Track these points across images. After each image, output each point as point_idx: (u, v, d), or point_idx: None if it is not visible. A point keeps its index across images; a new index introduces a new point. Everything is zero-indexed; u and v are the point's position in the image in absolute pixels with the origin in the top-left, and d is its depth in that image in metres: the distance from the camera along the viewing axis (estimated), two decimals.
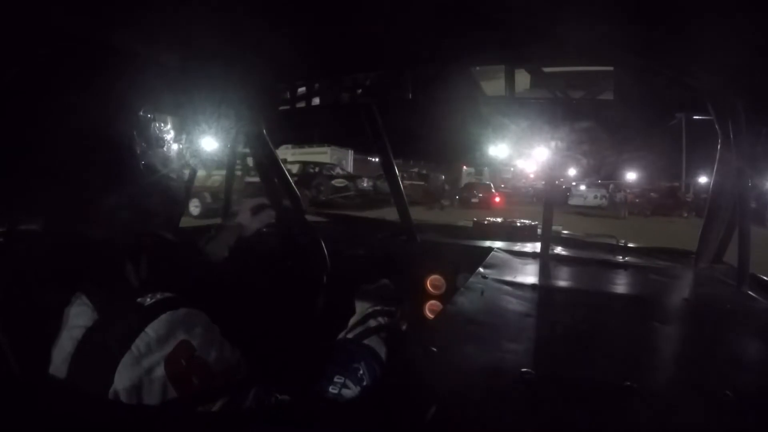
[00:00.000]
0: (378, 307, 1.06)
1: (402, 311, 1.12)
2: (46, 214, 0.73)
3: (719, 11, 0.85)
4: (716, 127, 1.31)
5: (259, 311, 1.12)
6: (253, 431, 0.60)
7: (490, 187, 18.14)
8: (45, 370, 0.62)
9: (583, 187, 20.31)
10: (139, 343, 0.62)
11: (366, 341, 0.94)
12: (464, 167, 21.95)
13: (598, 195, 19.70)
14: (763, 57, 0.98)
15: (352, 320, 1.05)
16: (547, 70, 1.38)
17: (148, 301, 0.66)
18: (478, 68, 1.45)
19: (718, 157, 1.36)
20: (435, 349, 0.75)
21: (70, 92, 0.76)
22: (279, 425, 0.60)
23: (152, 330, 0.63)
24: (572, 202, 19.52)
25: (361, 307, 1.09)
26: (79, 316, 0.64)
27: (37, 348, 0.63)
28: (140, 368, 0.61)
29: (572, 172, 19.05)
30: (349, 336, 0.98)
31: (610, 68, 1.32)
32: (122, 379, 0.60)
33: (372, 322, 1.01)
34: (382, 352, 0.91)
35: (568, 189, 19.90)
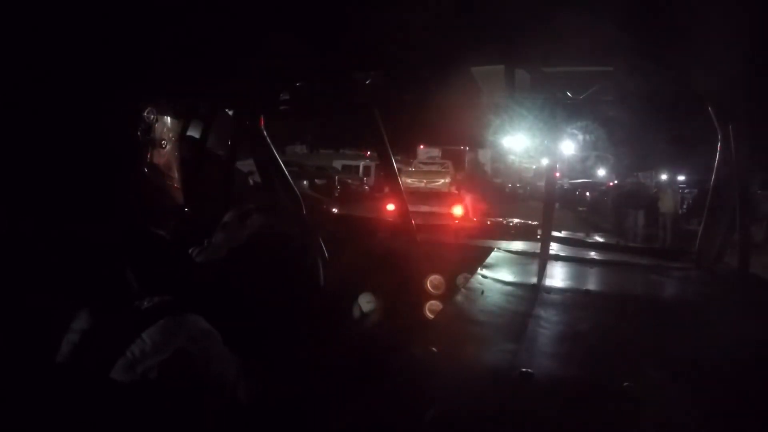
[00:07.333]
0: None
1: None
2: (44, 215, 0.73)
3: (719, 12, 0.85)
4: (716, 127, 1.31)
5: (257, 314, 1.11)
6: None
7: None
8: (43, 373, 0.62)
9: None
10: (134, 349, 0.61)
11: None
12: (420, 146, 13.62)
13: None
14: (762, 58, 0.98)
15: None
16: (547, 70, 1.38)
17: (146, 304, 0.66)
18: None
19: (718, 157, 1.36)
20: (435, 349, 0.75)
21: (69, 92, 0.76)
22: (277, 428, 0.60)
23: (148, 336, 0.62)
24: None
25: None
26: (77, 321, 0.64)
27: (36, 352, 0.62)
28: (134, 374, 0.61)
29: (601, 172, 14.80)
30: None
31: (610, 68, 1.32)
32: (116, 384, 0.60)
33: None
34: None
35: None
